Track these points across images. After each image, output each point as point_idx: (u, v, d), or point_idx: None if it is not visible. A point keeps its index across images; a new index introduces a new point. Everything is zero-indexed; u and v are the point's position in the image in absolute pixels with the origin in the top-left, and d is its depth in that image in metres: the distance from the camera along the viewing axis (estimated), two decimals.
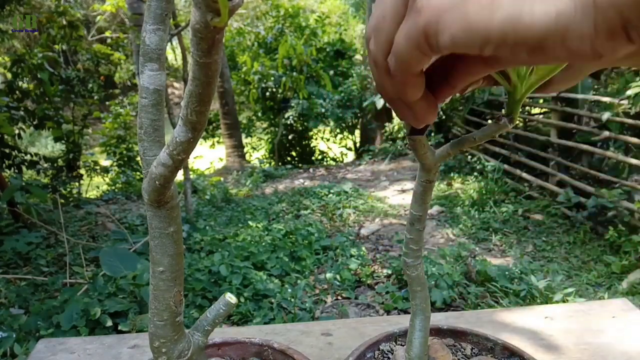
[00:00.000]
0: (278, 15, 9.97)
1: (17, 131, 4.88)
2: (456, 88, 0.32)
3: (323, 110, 8.90)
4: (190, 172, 6.25)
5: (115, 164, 6.72)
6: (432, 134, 6.60)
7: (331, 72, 9.64)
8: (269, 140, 9.87)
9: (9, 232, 3.81)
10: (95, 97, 6.04)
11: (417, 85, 0.29)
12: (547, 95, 4.84)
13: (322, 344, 0.80)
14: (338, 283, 3.08)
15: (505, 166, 5.23)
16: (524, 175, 4.98)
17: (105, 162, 6.87)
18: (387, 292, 2.94)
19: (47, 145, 11.33)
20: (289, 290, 2.90)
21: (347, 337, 0.82)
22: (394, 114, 9.37)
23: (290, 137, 9.56)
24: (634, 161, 3.69)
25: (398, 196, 5.59)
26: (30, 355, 0.80)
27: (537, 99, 5.44)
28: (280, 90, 8.54)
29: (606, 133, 4.02)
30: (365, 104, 8.41)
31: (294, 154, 9.83)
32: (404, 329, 0.62)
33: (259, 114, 9.70)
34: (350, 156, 9.87)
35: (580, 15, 0.19)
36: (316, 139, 10.07)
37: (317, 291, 3.05)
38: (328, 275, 3.17)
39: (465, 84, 0.31)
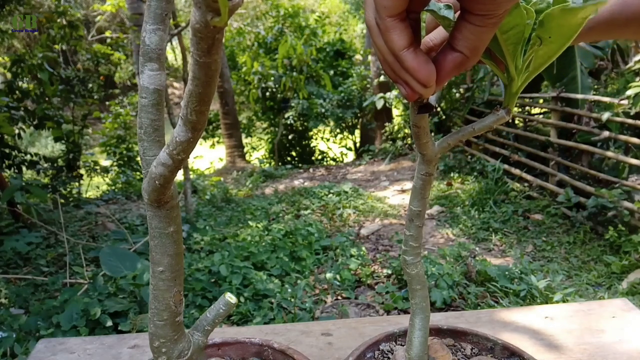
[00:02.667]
0: (278, 15, 9.97)
1: (17, 131, 4.88)
2: (458, 52, 0.34)
3: (323, 110, 8.90)
4: (190, 172, 6.25)
5: (115, 164, 6.72)
6: (432, 134, 6.59)
7: (331, 72, 9.64)
8: (269, 140, 9.87)
9: (9, 232, 3.81)
10: (95, 97, 6.04)
11: (398, 30, 0.33)
12: (547, 95, 4.84)
13: (322, 344, 0.80)
14: (338, 283, 3.08)
15: (505, 166, 5.23)
16: (524, 175, 4.98)
17: (105, 162, 6.87)
18: (387, 292, 2.94)
19: (47, 145, 11.33)
20: (289, 290, 2.90)
21: (347, 337, 0.82)
22: (393, 114, 9.39)
23: (290, 137, 9.56)
24: (634, 161, 3.69)
25: (398, 196, 5.59)
26: (30, 355, 0.80)
27: (537, 99, 5.44)
28: (280, 90, 8.54)
29: (606, 133, 4.02)
30: (365, 104, 8.41)
31: (294, 154, 9.84)
32: (404, 329, 0.62)
33: (259, 114, 9.71)
34: (350, 156, 9.87)
35: None
36: (316, 139, 10.07)
37: (317, 291, 3.05)
38: (328, 275, 3.17)
39: (466, 45, 0.34)
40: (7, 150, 4.89)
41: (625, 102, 3.85)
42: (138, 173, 6.71)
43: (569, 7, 0.34)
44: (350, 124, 9.65)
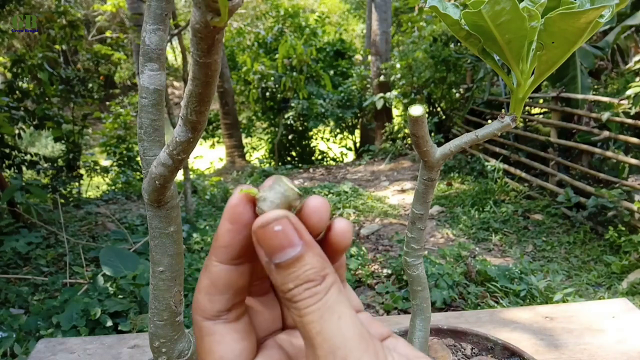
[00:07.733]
0: (278, 15, 9.98)
1: (17, 131, 4.88)
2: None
3: (323, 110, 8.90)
4: (190, 172, 6.25)
5: (115, 164, 6.72)
6: (432, 134, 6.60)
7: (331, 72, 9.65)
8: (269, 140, 9.88)
9: (9, 232, 3.81)
10: (95, 97, 6.04)
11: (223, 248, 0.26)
12: (547, 95, 4.84)
13: None
14: None
15: (505, 166, 5.23)
16: (524, 175, 4.98)
17: (105, 162, 6.87)
18: (387, 292, 2.94)
19: (47, 145, 11.33)
20: None
21: None
22: (393, 114, 9.39)
23: (290, 137, 9.56)
24: (634, 161, 3.69)
25: (398, 196, 5.59)
26: (30, 355, 0.80)
27: (537, 98, 5.44)
28: (280, 90, 8.54)
29: (606, 133, 4.02)
30: (365, 104, 8.41)
31: (294, 154, 9.84)
32: (404, 329, 0.62)
33: (259, 114, 9.71)
34: (350, 156, 9.87)
35: None
36: (316, 139, 10.07)
37: None
38: None
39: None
40: (7, 150, 4.89)
41: (625, 102, 3.85)
42: (138, 173, 6.70)
43: (569, 12, 0.32)
44: (350, 124, 9.66)
